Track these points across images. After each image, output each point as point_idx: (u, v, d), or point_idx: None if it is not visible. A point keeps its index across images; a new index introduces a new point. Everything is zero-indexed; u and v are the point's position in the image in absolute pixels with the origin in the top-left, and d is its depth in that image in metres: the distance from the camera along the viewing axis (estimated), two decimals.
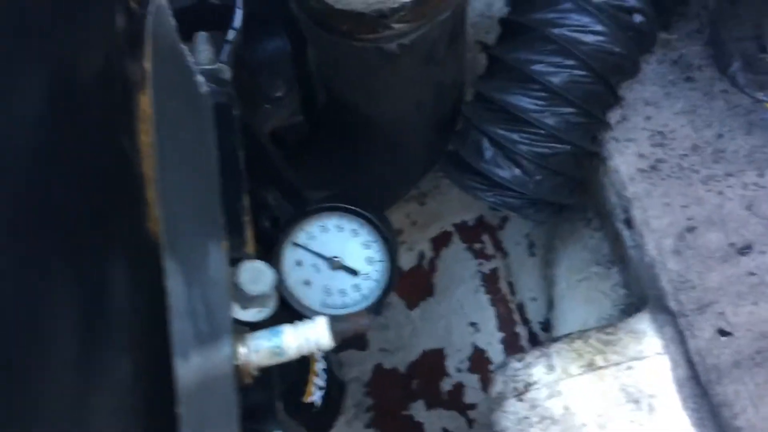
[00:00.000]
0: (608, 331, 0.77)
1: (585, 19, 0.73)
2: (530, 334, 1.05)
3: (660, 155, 0.79)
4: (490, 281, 1.09)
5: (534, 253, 1.07)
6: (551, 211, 0.83)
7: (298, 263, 0.67)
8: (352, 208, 0.66)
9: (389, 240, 0.66)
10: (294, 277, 0.66)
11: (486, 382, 1.04)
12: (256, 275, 0.49)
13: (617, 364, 0.74)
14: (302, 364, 0.69)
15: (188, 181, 0.43)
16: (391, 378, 1.11)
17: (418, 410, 1.08)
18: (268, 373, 0.48)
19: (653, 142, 0.79)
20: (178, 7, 0.52)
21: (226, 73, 0.67)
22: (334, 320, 0.48)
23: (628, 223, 0.80)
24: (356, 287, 0.66)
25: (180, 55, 0.47)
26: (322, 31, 0.72)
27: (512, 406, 0.75)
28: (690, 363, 0.71)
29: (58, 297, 0.32)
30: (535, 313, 1.05)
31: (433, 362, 1.09)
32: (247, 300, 0.49)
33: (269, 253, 0.67)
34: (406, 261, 1.13)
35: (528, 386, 0.76)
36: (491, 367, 1.05)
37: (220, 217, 0.47)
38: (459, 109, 0.87)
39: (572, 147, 0.77)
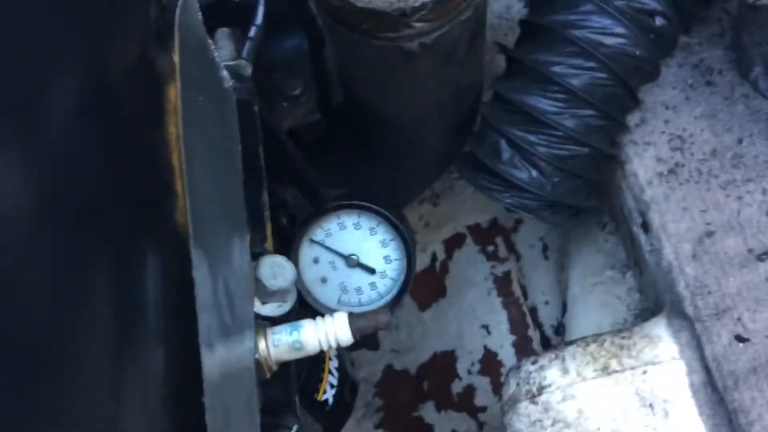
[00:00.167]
0: (623, 335, 0.77)
1: (606, 21, 0.73)
2: (542, 338, 1.04)
3: (679, 159, 0.78)
4: (502, 284, 1.09)
5: (548, 257, 1.06)
6: (568, 214, 0.83)
7: (315, 260, 0.67)
8: (371, 205, 0.66)
9: (407, 238, 0.66)
10: (311, 275, 0.66)
11: (497, 385, 1.03)
12: (276, 270, 0.49)
13: (632, 368, 0.74)
14: (316, 363, 0.69)
15: (214, 174, 0.43)
16: (401, 379, 1.11)
17: (428, 412, 1.08)
18: (286, 368, 0.48)
19: (672, 146, 0.79)
20: (201, 4, 0.52)
21: (247, 69, 0.68)
22: (354, 316, 0.48)
23: (645, 227, 0.79)
24: (373, 285, 0.66)
25: (207, 49, 0.47)
26: (343, 29, 0.72)
27: (525, 408, 0.75)
28: (706, 369, 0.71)
29: (95, 287, 0.32)
30: (547, 316, 1.05)
31: (444, 364, 1.09)
32: (267, 295, 0.49)
33: (286, 250, 0.67)
34: (419, 262, 1.12)
35: (541, 389, 0.75)
36: (502, 370, 1.04)
37: (244, 211, 0.47)
38: (477, 111, 0.87)
39: (590, 149, 0.77)
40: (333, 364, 0.73)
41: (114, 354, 0.34)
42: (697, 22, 0.83)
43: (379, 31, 0.69)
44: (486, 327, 1.08)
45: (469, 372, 1.07)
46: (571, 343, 0.78)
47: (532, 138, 0.77)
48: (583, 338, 0.78)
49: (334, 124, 0.89)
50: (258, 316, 0.50)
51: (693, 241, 0.75)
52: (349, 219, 0.67)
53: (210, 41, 0.49)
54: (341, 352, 0.76)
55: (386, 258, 0.67)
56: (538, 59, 0.76)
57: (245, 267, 0.46)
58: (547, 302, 1.05)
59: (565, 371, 0.75)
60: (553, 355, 0.77)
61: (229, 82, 0.52)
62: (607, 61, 0.74)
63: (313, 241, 0.67)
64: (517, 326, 1.06)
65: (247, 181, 0.51)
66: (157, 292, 0.36)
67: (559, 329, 1.02)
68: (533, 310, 1.06)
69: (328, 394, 0.71)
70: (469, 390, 1.06)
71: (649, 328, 0.76)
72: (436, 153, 0.91)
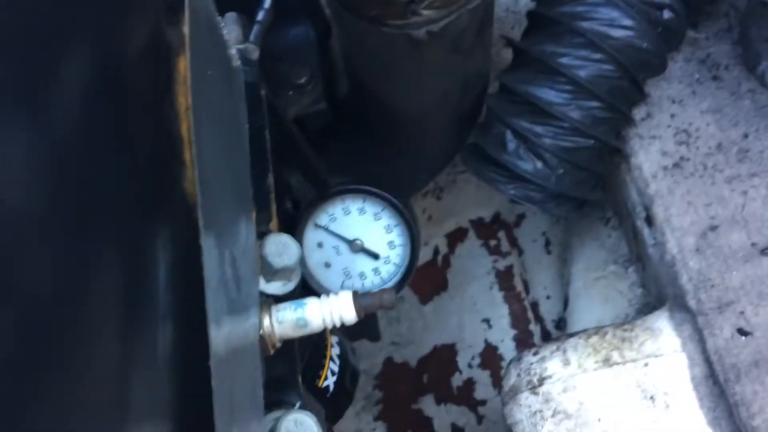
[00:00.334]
0: (625, 328, 0.77)
1: (614, 13, 0.73)
2: (543, 333, 1.04)
3: (684, 153, 0.78)
4: (504, 278, 1.09)
5: (550, 251, 1.06)
6: (572, 206, 0.83)
7: (319, 245, 0.67)
8: (375, 190, 0.66)
9: (411, 224, 0.66)
10: (315, 259, 0.66)
11: (497, 379, 1.03)
12: (281, 248, 0.49)
13: (634, 360, 0.74)
14: (318, 349, 0.69)
15: (221, 147, 0.43)
16: (401, 371, 1.11)
17: (428, 405, 1.08)
18: (290, 346, 0.48)
19: (677, 140, 0.79)
20: None
21: (255, 53, 0.68)
22: (359, 295, 0.48)
23: (649, 221, 0.79)
24: (376, 271, 0.66)
25: (216, 25, 0.47)
26: (350, 16, 0.72)
27: (526, 399, 0.75)
28: (708, 362, 0.71)
29: (104, 256, 0.32)
30: (549, 311, 1.05)
31: (444, 357, 1.09)
32: (271, 273, 0.49)
33: (291, 233, 0.67)
34: (421, 256, 1.13)
35: (542, 380, 0.75)
36: (503, 364, 1.04)
37: (250, 187, 0.47)
38: (483, 102, 0.87)
39: (596, 142, 0.77)
40: (335, 351, 0.72)
41: (122, 324, 0.34)
42: (704, 17, 0.83)
43: (387, 19, 0.69)
44: (487, 321, 1.08)
45: (470, 365, 1.07)
46: (572, 334, 0.78)
47: (537, 129, 0.77)
48: (584, 330, 0.78)
49: (340, 114, 0.89)
50: (263, 294, 0.50)
51: (697, 235, 0.75)
52: (353, 204, 0.67)
53: (220, 19, 0.49)
54: (343, 340, 0.76)
55: (390, 243, 0.67)
56: (544, 50, 0.76)
57: (251, 243, 0.46)
58: (548, 297, 1.05)
59: (566, 362, 0.75)
60: (554, 347, 0.77)
61: (237, 61, 0.53)
62: (615, 53, 0.74)
63: (317, 226, 0.67)
64: (518, 320, 1.06)
65: (252, 163, 0.51)
66: (165, 261, 0.36)
67: (561, 324, 1.02)
68: (535, 305, 1.06)
69: (329, 381, 0.71)
70: (469, 383, 1.06)
71: (652, 320, 0.76)
72: (441, 143, 0.91)
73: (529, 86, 0.77)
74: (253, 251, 0.46)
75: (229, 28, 0.69)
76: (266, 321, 0.46)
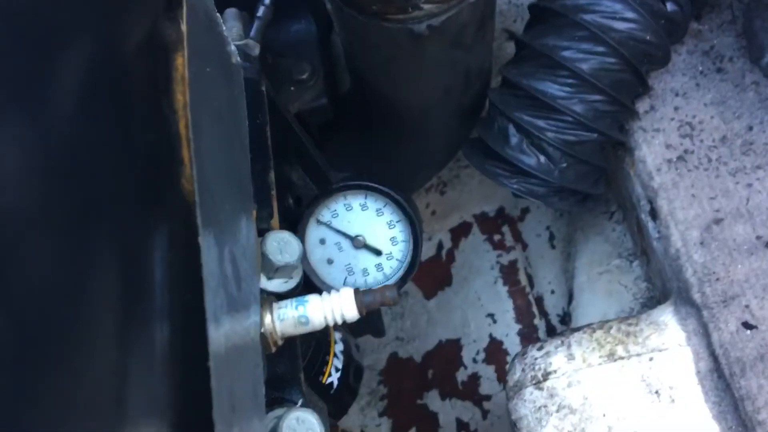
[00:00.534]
0: (630, 322, 0.76)
1: (617, 6, 0.73)
2: (548, 327, 1.04)
3: (688, 146, 0.78)
4: (508, 273, 1.08)
5: (554, 246, 1.06)
6: (575, 200, 0.82)
7: (322, 241, 0.67)
8: (378, 186, 0.66)
9: (414, 220, 0.66)
10: (317, 256, 0.66)
11: (502, 374, 1.03)
12: (282, 245, 0.49)
13: (638, 355, 0.74)
14: (321, 346, 0.69)
15: (221, 145, 0.43)
16: (406, 367, 1.11)
17: (433, 400, 1.08)
18: (292, 343, 0.48)
19: (681, 132, 0.79)
20: None
21: (255, 49, 0.68)
22: (360, 292, 0.48)
23: (653, 214, 0.79)
24: (379, 267, 0.66)
25: (214, 22, 0.47)
26: (351, 11, 0.71)
27: (530, 394, 0.75)
28: (713, 356, 0.70)
29: (102, 253, 0.32)
30: (553, 306, 1.04)
31: (449, 352, 1.09)
32: (273, 270, 0.49)
33: (293, 230, 0.67)
34: (425, 251, 1.13)
35: (547, 375, 0.75)
36: (508, 359, 1.04)
37: (250, 185, 0.47)
38: (485, 96, 0.86)
39: (599, 135, 0.77)
40: (338, 347, 0.72)
41: (120, 323, 0.34)
42: (708, 9, 0.82)
43: (388, 13, 0.69)
44: (492, 316, 1.07)
45: (474, 360, 1.07)
46: (577, 329, 0.77)
47: (540, 123, 0.77)
48: (589, 325, 0.77)
49: (342, 109, 0.89)
50: (264, 292, 0.49)
51: (701, 228, 0.74)
52: (355, 200, 0.67)
53: (218, 15, 0.49)
54: (346, 336, 0.76)
55: (392, 239, 0.67)
56: (547, 44, 0.76)
57: (251, 240, 0.46)
58: (553, 291, 1.04)
59: (570, 357, 0.75)
60: (558, 342, 0.77)
61: (237, 58, 0.52)
62: (618, 46, 0.73)
63: (319, 222, 0.66)
64: (522, 315, 1.05)
65: (253, 159, 0.51)
66: (163, 260, 0.36)
67: (565, 318, 1.01)
68: (539, 299, 1.05)
69: (333, 377, 0.71)
70: (474, 378, 1.06)
71: (656, 315, 0.76)
72: (444, 138, 0.91)
73: (532, 80, 0.77)
74: (253, 249, 0.46)
75: (229, 24, 0.69)
76: (267, 319, 0.46)
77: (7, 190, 0.29)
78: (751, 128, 0.77)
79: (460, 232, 1.13)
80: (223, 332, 0.39)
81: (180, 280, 0.37)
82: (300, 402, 0.50)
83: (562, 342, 0.77)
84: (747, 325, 0.70)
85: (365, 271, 0.66)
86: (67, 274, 0.31)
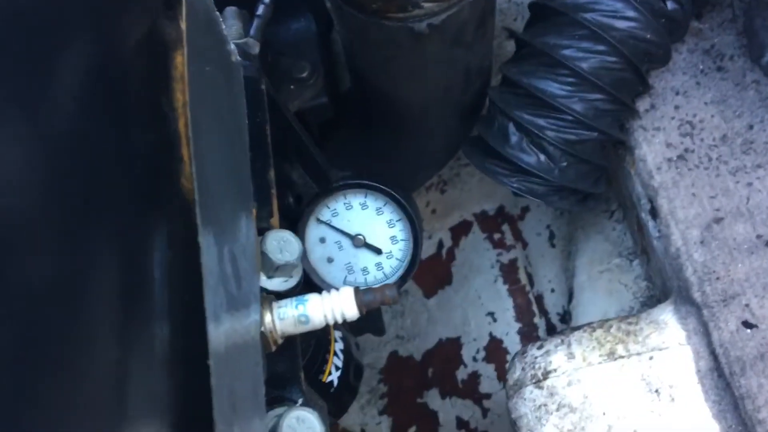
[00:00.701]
0: (630, 321, 0.76)
1: (617, 5, 0.73)
2: (548, 326, 1.04)
3: (688, 145, 0.78)
4: (508, 271, 1.08)
5: (554, 244, 1.06)
6: (575, 200, 0.82)
7: (322, 240, 0.67)
8: (378, 185, 0.66)
9: (414, 219, 0.66)
10: (317, 254, 0.66)
11: (502, 372, 1.03)
12: (282, 244, 0.49)
13: (638, 354, 0.74)
14: (321, 345, 0.69)
15: (221, 144, 0.43)
16: (406, 365, 1.11)
17: (433, 398, 1.08)
18: (292, 342, 0.48)
19: (682, 131, 0.78)
20: None
21: (255, 47, 0.68)
22: (360, 291, 0.48)
23: (654, 213, 0.79)
24: (379, 266, 0.66)
25: (214, 20, 0.47)
26: (351, 10, 0.71)
27: (530, 392, 0.75)
28: (713, 355, 0.70)
29: (102, 253, 0.32)
30: (553, 304, 1.04)
31: (449, 351, 1.09)
32: (273, 269, 0.49)
33: (293, 229, 0.67)
34: (425, 249, 1.13)
35: (547, 374, 0.75)
36: (508, 358, 1.04)
37: (250, 184, 0.47)
38: (485, 95, 0.86)
39: (599, 134, 0.77)
40: (338, 346, 0.72)
41: (120, 322, 0.34)
42: (708, 8, 0.82)
43: (388, 12, 0.69)
44: (492, 314, 1.07)
45: (474, 359, 1.07)
46: (577, 328, 0.77)
47: (540, 122, 0.76)
48: (589, 324, 0.77)
49: (342, 108, 0.89)
50: (264, 290, 0.49)
51: (701, 227, 0.74)
52: (355, 199, 0.67)
53: (218, 14, 0.49)
54: (346, 335, 0.76)
55: (393, 238, 0.67)
56: (547, 42, 0.76)
57: (251, 239, 0.46)
58: (553, 290, 1.05)
59: (570, 356, 0.75)
60: (558, 340, 0.77)
61: (236, 57, 0.52)
62: (618, 44, 0.73)
63: (319, 221, 0.66)
64: (522, 314, 1.06)
65: (253, 158, 0.51)
66: (163, 259, 0.36)
67: (565, 317, 1.01)
68: (539, 298, 1.05)
69: (333, 376, 0.71)
70: (474, 377, 1.06)
71: (656, 314, 0.76)
72: (444, 137, 0.91)
73: (532, 78, 0.77)
74: (253, 248, 0.46)
75: (229, 22, 0.69)
76: (267, 318, 0.46)
77: (6, 189, 0.29)
78: (751, 127, 0.77)
79: (460, 230, 1.13)
80: (223, 331, 0.38)
81: (180, 279, 0.37)
82: (300, 401, 0.50)
83: (562, 341, 0.77)
84: (747, 324, 0.70)
85: (365, 270, 0.66)
86: (67, 274, 0.31)
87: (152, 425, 0.34)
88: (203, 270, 0.36)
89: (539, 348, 0.77)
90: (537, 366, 0.76)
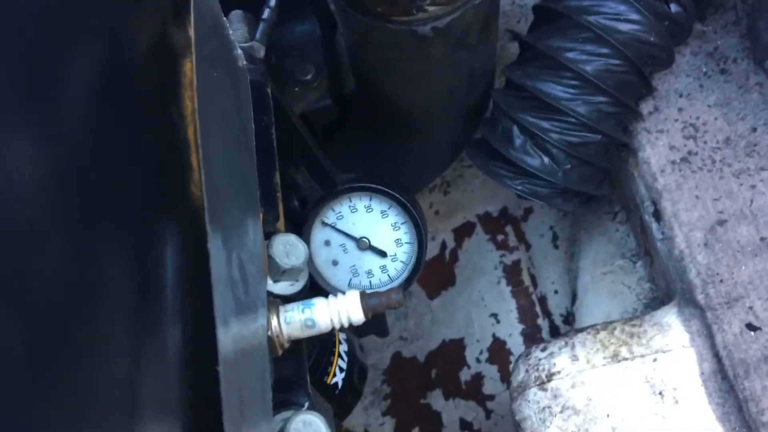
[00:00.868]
0: (634, 323, 0.76)
1: (621, 7, 0.73)
2: (551, 327, 1.04)
3: (692, 147, 0.78)
4: (512, 273, 1.09)
5: (557, 246, 1.06)
6: (579, 202, 0.82)
7: (327, 243, 0.67)
8: (383, 188, 0.66)
9: (419, 222, 0.66)
10: (322, 257, 0.66)
11: (505, 374, 1.03)
12: (289, 248, 0.49)
13: (642, 356, 0.74)
14: (326, 346, 0.69)
15: (228, 150, 0.43)
16: (409, 366, 1.11)
17: (436, 399, 1.08)
18: (298, 346, 0.48)
19: (685, 134, 0.79)
20: None
21: (260, 51, 0.68)
22: (366, 295, 0.48)
23: (657, 215, 0.79)
24: (383, 269, 0.66)
25: (222, 25, 0.47)
26: (356, 13, 0.72)
27: (534, 395, 0.75)
28: (717, 357, 0.71)
29: (112, 260, 0.32)
30: (557, 306, 1.05)
31: (452, 352, 1.09)
32: (279, 273, 0.49)
33: (298, 232, 0.67)
34: (428, 250, 1.13)
35: (551, 376, 0.75)
36: (511, 359, 1.04)
37: (257, 189, 0.47)
38: (489, 97, 0.87)
39: (603, 136, 0.77)
40: (342, 348, 0.73)
41: (131, 327, 0.34)
42: (712, 10, 0.82)
43: (393, 15, 0.69)
44: (495, 315, 1.08)
45: (478, 360, 1.07)
46: (580, 330, 0.78)
47: (544, 124, 0.77)
48: (593, 326, 0.78)
49: (346, 110, 0.89)
50: (270, 294, 0.50)
51: (705, 230, 0.74)
52: (360, 202, 0.67)
53: (225, 19, 0.49)
54: (350, 336, 0.76)
55: (397, 241, 0.67)
56: (551, 45, 0.76)
57: (258, 244, 0.46)
58: (556, 291, 1.05)
59: (574, 358, 0.75)
60: (562, 342, 0.77)
61: (243, 62, 0.53)
62: (621, 47, 0.73)
63: (324, 224, 0.67)
64: (526, 315, 1.06)
65: (259, 161, 0.51)
66: (173, 265, 0.36)
67: (569, 318, 1.02)
68: (542, 299, 1.05)
69: (337, 378, 0.71)
70: (477, 378, 1.06)
71: (660, 316, 0.76)
72: (448, 140, 0.91)
73: (536, 81, 0.77)
74: (260, 252, 0.46)
75: (235, 26, 0.70)
76: (274, 322, 0.46)
77: (20, 198, 0.29)
78: (755, 129, 0.77)
79: (463, 232, 1.13)
80: (231, 336, 0.39)
81: (189, 284, 0.37)
82: (306, 405, 0.50)
83: (566, 343, 0.77)
84: (751, 327, 0.70)
85: (370, 273, 0.66)
86: (79, 281, 0.31)
87: (162, 429, 0.35)
88: (212, 277, 0.36)
89: (543, 350, 0.78)
90: (541, 368, 0.76)
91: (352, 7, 0.71)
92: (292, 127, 0.70)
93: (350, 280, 0.66)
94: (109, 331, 0.32)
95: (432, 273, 1.13)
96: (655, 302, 0.88)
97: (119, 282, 0.34)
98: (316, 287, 0.66)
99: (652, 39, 0.74)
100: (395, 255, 0.67)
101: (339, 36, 0.93)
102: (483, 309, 1.09)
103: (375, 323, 0.89)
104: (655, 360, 0.73)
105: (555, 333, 1.03)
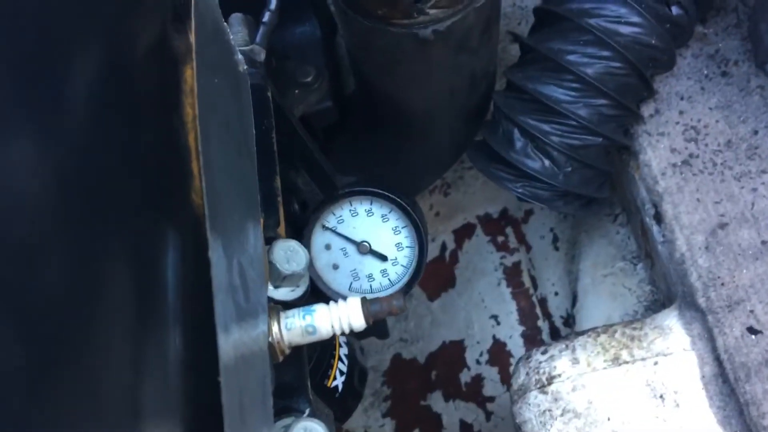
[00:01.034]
0: (634, 327, 0.76)
1: (622, 10, 0.73)
2: (552, 329, 1.04)
3: (693, 150, 0.78)
4: (512, 274, 1.09)
5: (558, 248, 1.06)
6: (580, 204, 0.82)
7: (327, 247, 0.67)
8: (383, 192, 0.66)
9: (419, 226, 0.66)
10: (322, 261, 0.66)
11: (505, 375, 1.03)
12: (289, 254, 0.49)
13: (643, 359, 0.74)
14: (326, 350, 0.69)
15: (229, 156, 0.43)
16: (410, 368, 1.11)
17: (436, 401, 1.08)
18: (299, 352, 0.48)
19: (686, 136, 0.79)
20: None
21: (261, 54, 0.68)
22: (367, 301, 0.48)
23: (658, 218, 0.79)
24: (384, 272, 0.66)
25: (222, 30, 0.47)
26: (357, 16, 0.71)
27: (535, 397, 0.75)
28: (718, 360, 0.71)
29: (113, 267, 0.32)
30: (557, 307, 1.04)
31: (452, 354, 1.09)
32: (280, 279, 0.49)
33: (298, 236, 0.67)
34: (428, 252, 1.13)
35: (551, 379, 0.75)
36: (511, 361, 1.04)
37: (258, 194, 0.47)
38: (489, 99, 0.86)
39: (604, 139, 0.77)
40: (343, 351, 0.73)
41: (133, 333, 0.34)
42: (713, 13, 0.82)
43: (393, 18, 0.69)
44: (495, 317, 1.08)
45: (478, 362, 1.07)
46: (581, 333, 0.77)
47: (545, 127, 0.77)
48: (593, 329, 0.78)
49: (346, 112, 0.89)
50: (271, 300, 0.50)
51: (706, 233, 0.74)
52: (361, 206, 0.67)
53: (226, 24, 0.49)
54: (351, 339, 0.76)
55: (398, 245, 0.67)
56: (552, 48, 0.76)
57: (259, 250, 0.46)
58: (556, 293, 1.05)
59: (575, 361, 0.75)
60: (563, 345, 0.77)
61: (244, 66, 0.52)
62: (623, 50, 0.73)
63: (325, 228, 0.66)
64: (526, 317, 1.06)
65: (259, 166, 0.51)
66: (173, 272, 0.36)
67: (569, 320, 1.02)
68: (543, 301, 1.05)
69: (337, 381, 0.71)
70: (478, 380, 1.06)
71: (661, 319, 0.76)
72: (448, 141, 0.91)
73: (537, 84, 0.77)
74: (261, 258, 0.46)
75: (235, 29, 0.69)
76: (275, 328, 0.46)
77: (22, 201, 0.29)
78: (756, 132, 0.77)
79: (463, 233, 1.13)
80: (232, 343, 0.39)
81: (190, 291, 0.37)
82: (307, 411, 0.50)
83: (567, 346, 0.77)
84: (752, 330, 0.70)
85: (370, 277, 0.66)
86: (80, 285, 0.31)
87: None
88: (213, 283, 0.36)
89: (544, 353, 0.77)
90: (541, 371, 0.76)
91: (352, 10, 0.71)
92: (292, 130, 0.70)
93: (351, 284, 0.66)
94: (111, 336, 0.32)
95: (432, 274, 1.12)
96: (656, 305, 0.88)
97: (120, 287, 0.34)
98: (316, 292, 0.66)
99: (653, 42, 0.74)
100: (396, 259, 0.67)
101: (339, 38, 0.93)
102: (483, 310, 1.09)
103: (375, 325, 0.89)
104: (656, 363, 0.73)
105: (555, 335, 1.03)
